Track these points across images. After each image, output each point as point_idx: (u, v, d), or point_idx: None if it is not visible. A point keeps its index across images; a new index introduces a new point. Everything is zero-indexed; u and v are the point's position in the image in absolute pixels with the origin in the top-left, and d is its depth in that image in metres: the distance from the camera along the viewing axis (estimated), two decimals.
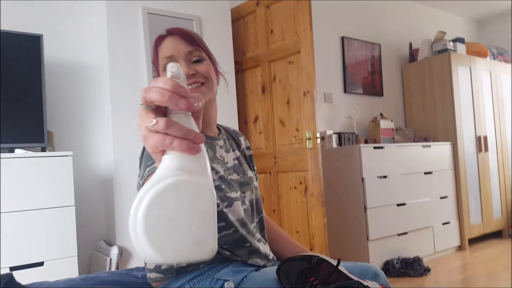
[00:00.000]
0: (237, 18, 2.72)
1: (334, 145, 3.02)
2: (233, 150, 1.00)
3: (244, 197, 0.92)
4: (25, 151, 1.75)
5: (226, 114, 2.53)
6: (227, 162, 0.94)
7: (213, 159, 0.91)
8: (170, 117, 0.35)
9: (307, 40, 2.34)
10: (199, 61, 0.88)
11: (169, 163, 0.33)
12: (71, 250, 1.75)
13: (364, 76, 3.62)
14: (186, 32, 0.90)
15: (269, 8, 2.59)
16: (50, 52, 2.13)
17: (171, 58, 0.87)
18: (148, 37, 2.20)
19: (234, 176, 0.94)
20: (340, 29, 3.49)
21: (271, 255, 0.93)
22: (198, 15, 2.41)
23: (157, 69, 0.93)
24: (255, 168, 1.09)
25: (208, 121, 0.93)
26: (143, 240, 0.30)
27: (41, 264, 1.69)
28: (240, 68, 2.76)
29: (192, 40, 0.89)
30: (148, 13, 2.20)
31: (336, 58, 3.44)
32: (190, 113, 0.36)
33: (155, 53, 0.92)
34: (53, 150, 2.04)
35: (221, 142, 0.96)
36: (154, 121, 0.34)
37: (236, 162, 0.98)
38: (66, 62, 2.21)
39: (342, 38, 3.47)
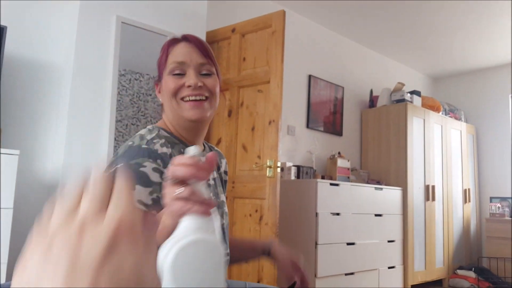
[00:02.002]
0: (212, 41, 2.84)
1: (293, 177, 3.14)
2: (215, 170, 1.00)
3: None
4: None
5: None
6: (209, 180, 0.94)
7: None
8: (190, 185, 0.47)
9: (278, 72, 2.50)
10: (208, 74, 0.90)
11: (188, 224, 0.44)
12: (3, 256, 1.66)
13: (326, 115, 3.85)
14: (203, 43, 0.91)
15: (244, 37, 2.74)
16: (11, 45, 2.10)
17: (182, 65, 0.88)
18: (119, 46, 2.24)
19: (216, 195, 0.96)
20: (309, 67, 3.74)
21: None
22: (173, 32, 2.50)
23: (161, 70, 0.92)
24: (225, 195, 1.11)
25: (201, 134, 0.95)
26: (168, 278, 0.40)
27: None
28: None
29: (207, 52, 0.90)
30: (122, 22, 2.25)
31: (302, 94, 3.66)
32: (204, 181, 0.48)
33: (165, 54, 0.91)
34: None
35: (204, 159, 0.98)
36: (182, 189, 0.45)
37: (213, 182, 0.98)
38: (27, 57, 2.17)
39: (310, 76, 3.72)
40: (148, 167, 0.79)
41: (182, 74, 0.89)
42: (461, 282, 3.90)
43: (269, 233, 2.40)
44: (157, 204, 0.77)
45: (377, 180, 3.91)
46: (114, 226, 0.23)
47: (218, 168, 1.05)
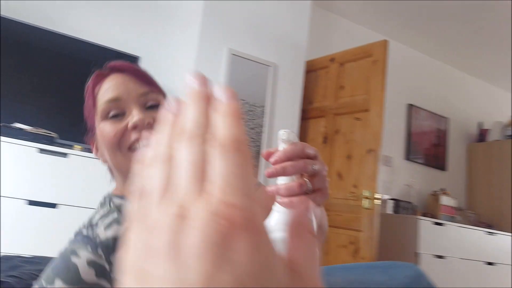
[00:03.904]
0: (311, 70, 2.98)
1: (389, 211, 3.03)
2: None
3: None
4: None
5: None
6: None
7: None
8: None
9: (378, 101, 2.51)
10: (156, 106, 0.69)
11: (278, 217, 0.43)
12: None
13: (427, 147, 3.68)
14: (137, 68, 0.72)
15: (343, 66, 2.83)
16: None
17: (117, 102, 0.67)
18: (228, 76, 2.49)
19: None
20: (408, 96, 3.65)
21: None
22: (276, 62, 2.70)
23: (91, 120, 0.71)
24: None
25: None
26: None
27: None
28: (304, 116, 2.97)
29: (146, 78, 0.71)
30: (232, 54, 2.51)
31: (400, 124, 3.56)
32: None
33: (91, 97, 0.70)
34: None
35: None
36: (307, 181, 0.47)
37: None
38: None
39: (410, 105, 3.62)
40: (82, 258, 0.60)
41: (121, 115, 0.67)
42: None
43: None
44: None
45: (488, 223, 3.55)
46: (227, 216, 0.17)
47: None
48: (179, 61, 2.62)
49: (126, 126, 0.65)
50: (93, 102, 0.69)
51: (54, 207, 1.90)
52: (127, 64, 0.71)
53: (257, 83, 2.63)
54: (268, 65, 2.64)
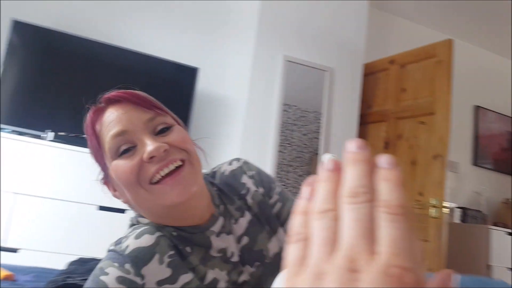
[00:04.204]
0: (369, 73, 2.89)
1: (457, 220, 2.86)
2: (241, 216, 0.71)
3: None
4: None
5: None
6: (231, 254, 0.67)
7: (205, 261, 0.65)
8: None
9: (444, 104, 2.38)
10: (167, 128, 0.63)
11: None
12: None
13: (496, 151, 3.42)
14: (134, 93, 0.64)
15: (404, 67, 2.71)
16: (201, 84, 2.53)
17: (123, 136, 0.61)
18: (284, 82, 2.48)
19: (248, 270, 0.67)
20: (475, 97, 3.42)
21: None
22: (332, 66, 2.65)
23: (101, 161, 0.65)
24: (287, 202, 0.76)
25: (195, 208, 0.65)
26: None
27: None
28: (363, 121, 2.88)
29: (146, 103, 0.64)
30: (288, 60, 2.50)
31: (467, 127, 3.35)
32: None
33: (94, 137, 0.64)
34: None
35: (218, 224, 0.67)
36: None
37: (247, 239, 0.69)
38: (210, 93, 2.60)
39: (477, 107, 3.39)
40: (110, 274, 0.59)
41: (132, 148, 0.61)
42: None
43: None
44: None
45: None
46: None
47: (244, 197, 0.73)
48: (235, 70, 2.66)
49: (141, 159, 0.60)
50: (97, 141, 0.64)
51: (123, 213, 2.00)
52: (122, 92, 0.64)
53: (313, 89, 2.60)
54: (325, 70, 2.60)
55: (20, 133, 1.99)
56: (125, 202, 0.67)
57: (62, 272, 1.16)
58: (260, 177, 0.75)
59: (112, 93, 0.64)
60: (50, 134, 1.98)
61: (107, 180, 0.67)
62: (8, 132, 1.94)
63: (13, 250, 1.85)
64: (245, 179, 0.74)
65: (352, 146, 0.23)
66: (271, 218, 0.72)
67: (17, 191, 1.87)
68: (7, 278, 1.15)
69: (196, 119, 2.48)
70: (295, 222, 0.23)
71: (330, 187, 0.23)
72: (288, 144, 2.52)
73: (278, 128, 2.45)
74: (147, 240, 0.62)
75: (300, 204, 0.24)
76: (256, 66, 2.47)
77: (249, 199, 0.72)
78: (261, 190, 0.74)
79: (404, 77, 2.70)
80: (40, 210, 1.89)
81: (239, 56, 2.65)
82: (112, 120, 0.62)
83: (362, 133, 2.90)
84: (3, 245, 1.83)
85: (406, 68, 2.69)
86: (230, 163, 0.77)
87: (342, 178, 0.23)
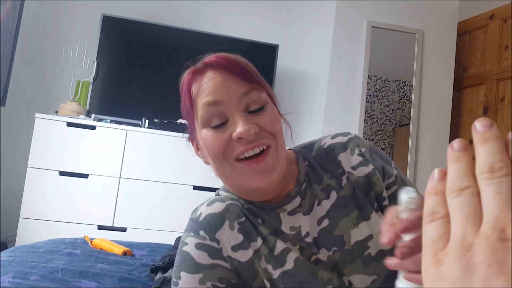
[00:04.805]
0: (463, 32, 2.62)
1: None
2: (326, 197, 0.67)
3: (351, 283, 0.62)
4: None
5: (434, 138, 2.45)
6: (306, 234, 0.65)
7: (277, 234, 0.64)
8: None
9: None
10: (260, 109, 0.62)
11: None
12: None
13: None
14: (236, 63, 0.63)
15: (506, 22, 2.41)
16: (280, 60, 2.52)
17: (217, 106, 0.60)
18: (369, 50, 2.35)
19: (323, 254, 0.64)
20: None
21: None
22: (422, 28, 2.44)
23: (190, 120, 0.66)
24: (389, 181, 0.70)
25: (272, 190, 0.65)
26: None
27: None
28: (457, 86, 2.64)
29: (247, 74, 0.62)
30: (372, 26, 2.36)
31: None
32: None
33: (188, 97, 0.64)
34: None
35: (293, 204, 0.66)
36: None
37: (327, 222, 0.66)
38: (289, 69, 2.57)
39: None
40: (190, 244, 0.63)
41: (223, 124, 0.61)
42: None
43: None
44: None
45: None
46: None
47: (339, 177, 0.69)
48: (315, 43, 2.58)
49: (230, 136, 0.60)
50: (191, 104, 0.64)
51: (214, 191, 2.10)
52: (223, 59, 0.62)
53: (400, 55, 2.43)
54: (413, 33, 2.40)
55: (117, 122, 2.16)
56: (206, 163, 0.69)
57: (174, 247, 1.26)
58: (371, 155, 0.69)
59: (213, 58, 0.63)
60: (146, 122, 2.13)
61: (192, 138, 0.68)
62: (107, 122, 2.13)
63: (123, 230, 2.05)
64: (342, 157, 0.69)
65: (480, 125, 0.23)
66: (364, 202, 0.66)
67: (122, 176, 2.06)
68: (126, 253, 1.28)
69: (278, 96, 2.48)
70: (429, 203, 0.24)
71: (463, 166, 0.23)
72: (369, 117, 2.41)
73: (363, 100, 2.35)
74: (218, 206, 0.65)
75: (431, 185, 0.25)
76: (338, 35, 2.37)
77: (343, 178, 0.68)
78: (367, 169, 0.68)
79: (506, 33, 2.39)
80: (141, 191, 2.07)
81: (319, 28, 2.57)
82: (209, 86, 0.61)
83: (457, 99, 2.66)
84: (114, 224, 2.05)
85: (509, 23, 2.38)
86: (333, 137, 0.73)
87: (472, 157, 0.24)
